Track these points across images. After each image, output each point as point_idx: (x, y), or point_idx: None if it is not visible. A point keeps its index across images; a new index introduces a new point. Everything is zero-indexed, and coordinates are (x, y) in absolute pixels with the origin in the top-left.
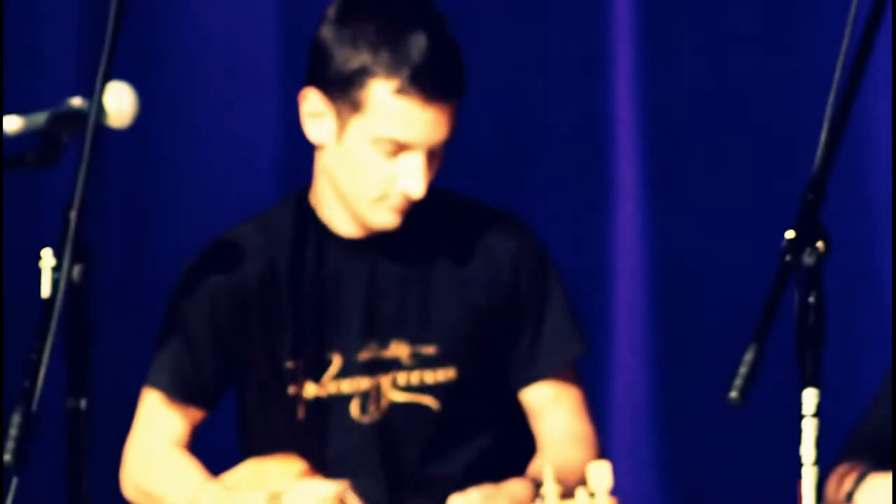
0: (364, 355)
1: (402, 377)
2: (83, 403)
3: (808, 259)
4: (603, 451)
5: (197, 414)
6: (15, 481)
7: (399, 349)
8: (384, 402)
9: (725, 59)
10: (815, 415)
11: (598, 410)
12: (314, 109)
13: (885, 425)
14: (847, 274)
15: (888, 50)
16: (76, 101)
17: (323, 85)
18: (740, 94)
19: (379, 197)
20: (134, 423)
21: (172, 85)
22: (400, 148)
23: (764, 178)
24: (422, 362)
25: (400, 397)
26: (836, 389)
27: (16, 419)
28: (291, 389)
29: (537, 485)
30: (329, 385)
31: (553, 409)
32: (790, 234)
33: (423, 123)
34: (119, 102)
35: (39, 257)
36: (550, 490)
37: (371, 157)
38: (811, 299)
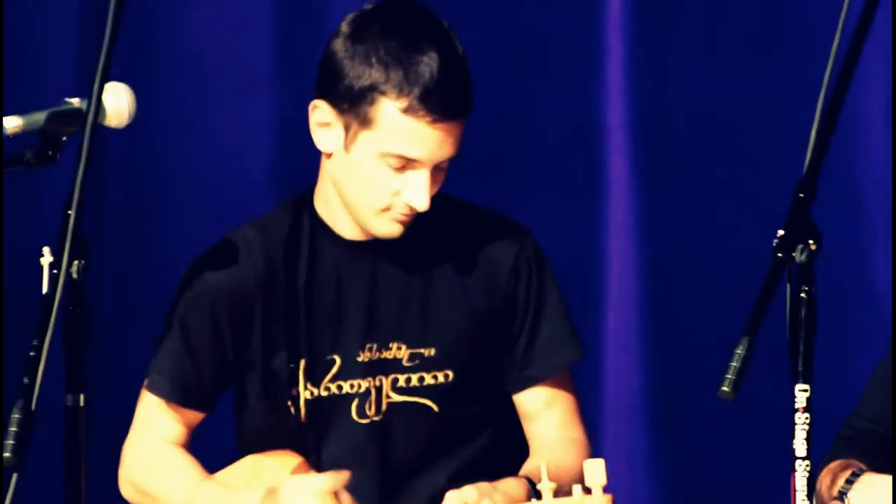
0: (364, 357)
1: (401, 378)
2: (81, 400)
3: (799, 257)
4: (597, 448)
5: (195, 417)
6: (15, 478)
7: (399, 351)
8: (383, 403)
9: (716, 58)
10: (807, 409)
11: (591, 407)
12: (323, 120)
13: (876, 418)
14: (838, 269)
15: (878, 48)
16: (75, 101)
17: (333, 98)
18: (731, 94)
19: (383, 208)
20: (132, 425)
21: (169, 84)
22: (406, 163)
23: (755, 176)
24: (421, 364)
25: (399, 398)
26: (828, 384)
27: (15, 416)
28: (292, 390)
29: (531, 483)
30: (329, 386)
31: (546, 413)
32: (782, 232)
33: (431, 141)
34: (117, 102)
35: (39, 255)
36: (546, 486)
37: (377, 170)
38: (803, 295)
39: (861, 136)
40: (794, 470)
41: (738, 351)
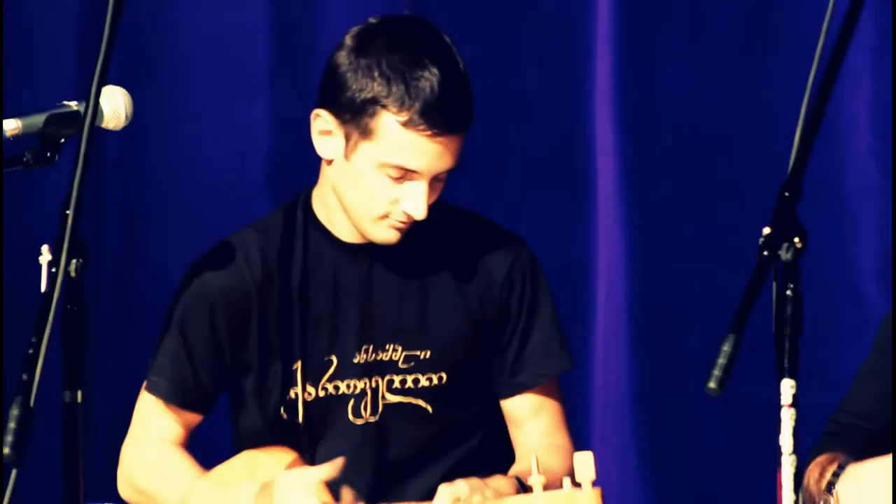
0: (360, 358)
1: (396, 380)
2: (79, 396)
3: (785, 254)
4: (586, 445)
5: (194, 418)
6: (14, 473)
7: (394, 353)
8: (379, 404)
9: (702, 61)
10: (793, 405)
11: (580, 405)
12: (324, 128)
13: (861, 413)
14: (823, 268)
15: (862, 48)
16: (73, 104)
17: (335, 108)
18: (717, 96)
19: (381, 215)
20: (131, 425)
21: (167, 86)
22: (405, 173)
23: (742, 177)
24: (416, 366)
25: (394, 399)
26: (813, 381)
27: (14, 412)
28: (290, 391)
29: (520, 482)
30: (327, 386)
31: (533, 420)
32: (767, 230)
33: (430, 154)
34: (114, 105)
35: (38, 254)
36: (536, 479)
37: (376, 179)
38: (789, 292)
39: (846, 136)
40: (780, 465)
41: (725, 348)
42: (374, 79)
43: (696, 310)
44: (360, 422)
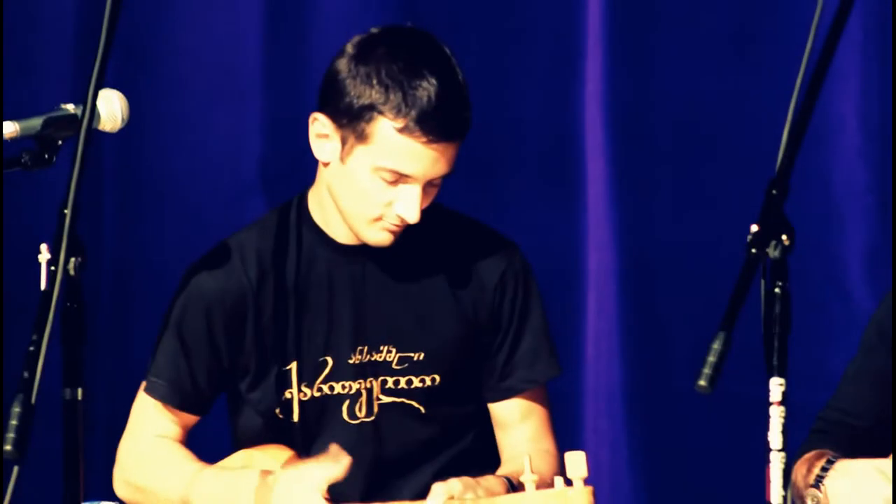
0: (355, 359)
1: (390, 380)
2: (79, 393)
3: (773, 252)
4: (578, 442)
5: (191, 419)
6: (16, 470)
7: (389, 354)
8: (374, 405)
9: (693, 60)
10: (782, 402)
11: (572, 403)
12: (321, 132)
13: (849, 411)
14: (810, 267)
15: (851, 48)
16: (70, 107)
17: (333, 113)
18: (708, 95)
19: (375, 218)
20: (128, 425)
21: (163, 90)
22: (399, 177)
23: (732, 176)
24: (410, 367)
25: (388, 399)
26: (800, 379)
27: (16, 409)
28: (286, 391)
29: (510, 482)
30: (322, 387)
31: (521, 425)
32: (755, 227)
33: (424, 160)
34: (111, 108)
35: (37, 252)
36: (529, 478)
37: (371, 182)
38: (777, 290)
39: (833, 134)
40: (769, 462)
41: (714, 346)
42: (372, 86)
43: (685, 308)
44: (355, 422)
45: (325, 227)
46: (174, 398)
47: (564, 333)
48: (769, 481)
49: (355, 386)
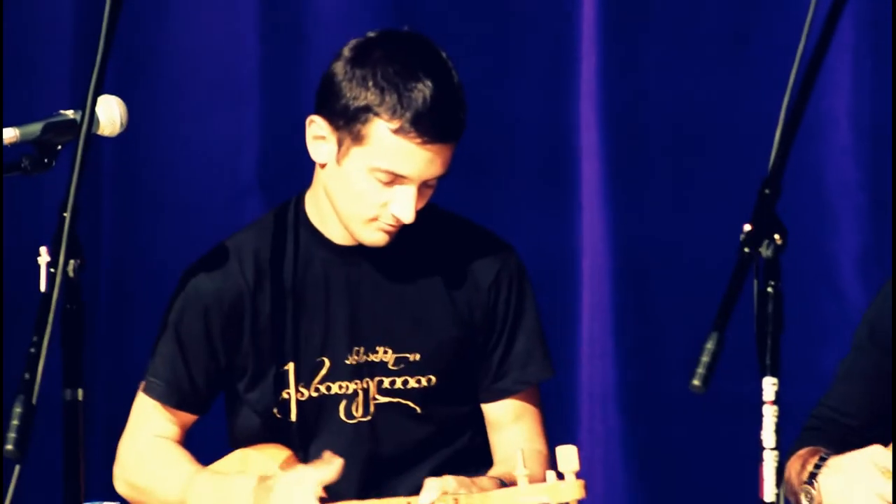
0: (352, 360)
1: (386, 381)
2: (79, 394)
3: (765, 251)
4: (572, 440)
5: (189, 418)
6: (17, 469)
7: (385, 355)
8: (371, 405)
9: (687, 60)
10: (776, 402)
11: (566, 400)
12: (318, 134)
13: (842, 409)
14: (803, 266)
15: (843, 47)
16: (69, 113)
17: (329, 115)
18: (702, 95)
19: (370, 218)
20: (128, 424)
21: (161, 94)
22: (395, 178)
23: (725, 177)
24: (406, 368)
25: (385, 399)
26: (793, 377)
27: (17, 410)
28: (284, 392)
29: (502, 483)
30: (319, 387)
31: (513, 425)
32: (748, 227)
33: (419, 160)
34: (110, 114)
35: (37, 255)
36: (521, 472)
37: (367, 183)
38: (769, 290)
39: (825, 134)
40: (762, 460)
41: (708, 346)
42: (368, 88)
43: (679, 309)
44: (352, 421)
45: (322, 228)
46: (172, 398)
47: (559, 334)
48: (763, 480)
49: (352, 386)
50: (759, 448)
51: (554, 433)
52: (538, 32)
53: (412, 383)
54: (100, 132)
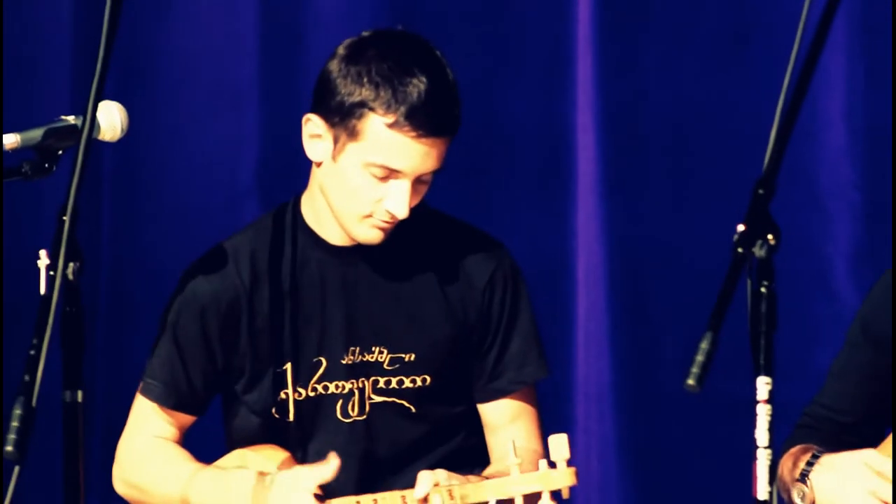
0: (348, 360)
1: (381, 381)
2: (79, 396)
3: (759, 251)
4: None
5: (187, 419)
6: (17, 471)
7: (380, 355)
8: (366, 404)
9: (683, 61)
10: (769, 401)
11: (562, 404)
12: (314, 132)
13: (835, 407)
14: (796, 265)
15: (837, 47)
16: (70, 118)
17: (324, 112)
18: (698, 96)
19: (365, 215)
20: (126, 425)
21: (161, 98)
22: (389, 173)
23: (721, 177)
24: (401, 368)
25: (380, 399)
26: (786, 376)
27: (17, 412)
28: (281, 392)
29: None
30: (316, 387)
31: (510, 425)
32: (741, 227)
33: (413, 154)
34: (111, 120)
35: (36, 258)
36: (513, 461)
37: (362, 179)
38: (763, 289)
39: (819, 134)
40: (755, 458)
41: (703, 345)
42: (363, 84)
43: (674, 309)
44: (348, 420)
45: (318, 229)
46: (169, 399)
47: (554, 334)
48: (756, 478)
49: (348, 386)
50: (753, 447)
51: (550, 432)
52: (535, 33)
53: (407, 383)
54: (100, 137)
